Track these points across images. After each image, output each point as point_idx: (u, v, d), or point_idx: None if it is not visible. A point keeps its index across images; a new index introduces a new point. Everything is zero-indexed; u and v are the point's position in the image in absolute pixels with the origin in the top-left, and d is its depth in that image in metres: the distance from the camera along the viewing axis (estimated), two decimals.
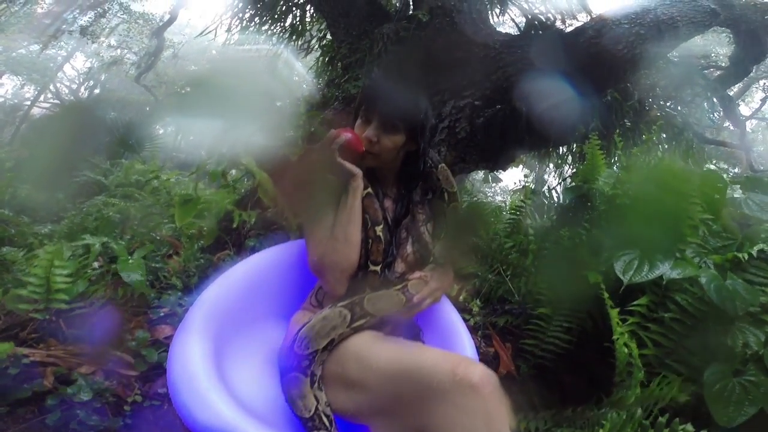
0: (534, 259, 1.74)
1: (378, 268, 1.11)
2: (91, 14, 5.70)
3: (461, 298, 1.89)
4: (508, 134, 2.52)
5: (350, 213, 1.06)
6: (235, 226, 1.79)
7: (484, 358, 1.62)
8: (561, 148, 3.21)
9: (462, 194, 3.65)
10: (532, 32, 2.52)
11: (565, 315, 1.49)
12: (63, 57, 8.03)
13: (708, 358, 1.19)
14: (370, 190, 1.13)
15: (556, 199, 2.47)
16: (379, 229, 1.11)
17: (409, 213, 1.20)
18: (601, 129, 2.76)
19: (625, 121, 2.97)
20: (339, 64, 2.69)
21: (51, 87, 8.71)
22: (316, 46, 3.48)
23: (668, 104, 2.95)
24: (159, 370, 1.47)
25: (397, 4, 2.88)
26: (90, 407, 1.22)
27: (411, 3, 2.58)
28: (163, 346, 1.54)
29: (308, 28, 3.48)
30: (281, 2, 3.26)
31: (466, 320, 1.79)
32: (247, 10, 3.41)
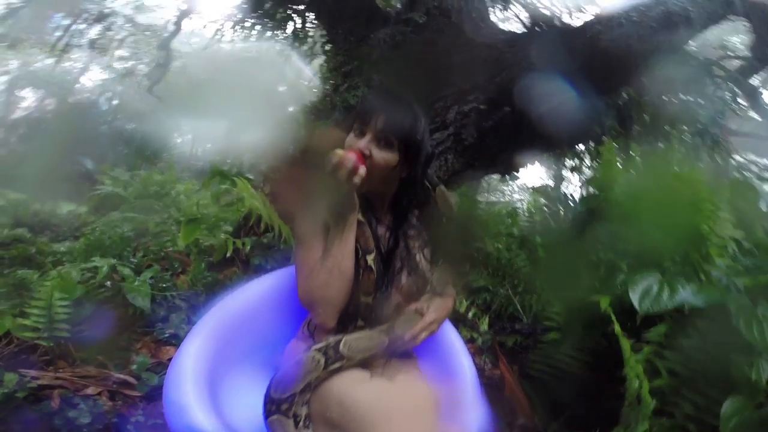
0: (545, 276, 1.65)
1: (370, 300, 1.07)
2: (98, 27, 5.82)
3: (470, 314, 1.83)
4: (518, 137, 2.42)
5: (344, 246, 1.00)
6: (228, 255, 1.77)
7: (489, 380, 1.56)
8: (577, 146, 3.10)
9: (476, 196, 3.58)
10: (537, 29, 2.41)
11: (577, 338, 1.40)
12: (79, 70, 8.24)
13: (728, 390, 1.10)
14: (360, 216, 1.07)
15: (572, 203, 2.37)
16: (370, 259, 1.05)
17: (404, 237, 1.15)
18: (617, 127, 2.65)
19: (644, 115, 2.83)
20: (340, 71, 2.63)
21: (70, 99, 8.95)
22: (320, 52, 3.43)
23: (688, 98, 2.80)
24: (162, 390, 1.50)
25: (398, 6, 2.79)
26: (94, 428, 1.28)
27: (409, 5, 2.49)
28: (166, 368, 1.56)
29: (311, 34, 3.43)
30: (280, 9, 3.21)
31: (473, 339, 1.74)
32: (248, 19, 3.38)
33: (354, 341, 0.98)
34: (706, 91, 2.90)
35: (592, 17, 2.35)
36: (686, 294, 1.21)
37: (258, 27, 3.46)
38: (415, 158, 1.07)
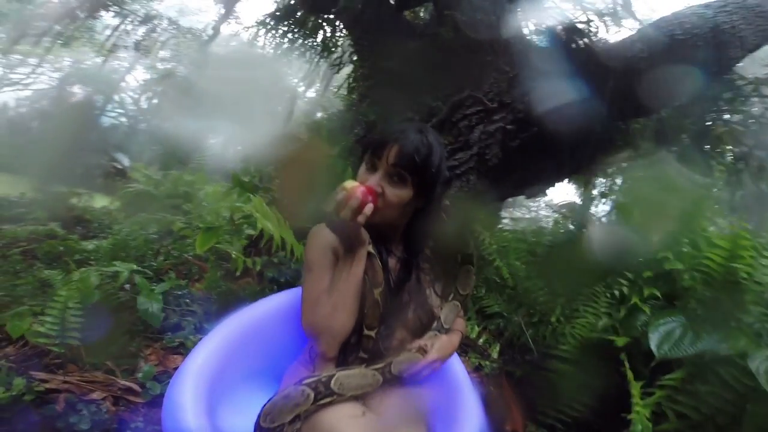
0: (563, 309, 1.55)
1: (373, 333, 1.03)
2: (143, 29, 6.10)
3: (481, 340, 1.76)
4: (546, 158, 2.33)
5: (350, 281, 0.97)
6: (238, 273, 1.77)
7: (493, 412, 1.47)
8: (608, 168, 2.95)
9: (499, 213, 3.48)
10: (573, 46, 2.31)
11: (588, 377, 1.32)
12: (125, 69, 8.65)
13: None
14: (371, 248, 1.02)
15: (598, 220, 2.25)
16: (377, 293, 1.01)
17: (415, 271, 1.09)
18: (653, 149, 2.50)
19: (683, 136, 2.67)
20: (365, 83, 2.59)
21: (116, 97, 9.45)
22: (348, 61, 3.43)
23: (734, 119, 2.61)
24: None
25: (427, 17, 2.72)
26: None
27: (438, 19, 2.41)
28: (171, 377, 1.58)
29: (339, 43, 3.44)
30: (311, 18, 3.23)
31: (481, 366, 1.67)
32: (280, 26, 3.41)
33: (346, 378, 0.95)
34: (752, 111, 2.70)
35: (633, 33, 2.22)
36: (710, 341, 1.15)
37: (290, 35, 3.50)
38: (430, 191, 1.02)
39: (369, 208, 0.89)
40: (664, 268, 1.25)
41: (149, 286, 1.91)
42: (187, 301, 2.02)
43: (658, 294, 1.23)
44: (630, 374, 1.13)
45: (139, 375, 1.55)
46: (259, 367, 1.25)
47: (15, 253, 2.55)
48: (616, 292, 1.48)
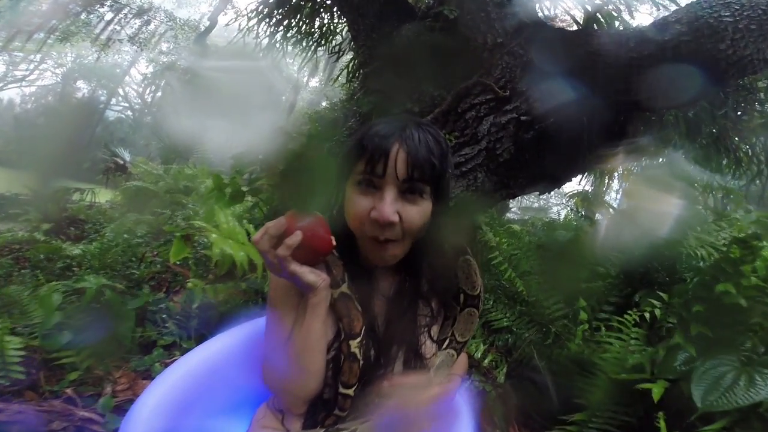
0: (583, 334, 1.32)
1: (351, 392, 0.82)
2: (137, 22, 5.93)
3: (486, 360, 1.54)
4: (565, 151, 2.07)
5: (306, 337, 0.77)
6: (195, 306, 1.58)
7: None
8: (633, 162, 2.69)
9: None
10: (595, 26, 2.04)
11: (606, 419, 1.10)
12: (128, 63, 8.58)
13: None
14: (344, 288, 0.81)
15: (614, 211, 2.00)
16: (354, 345, 0.80)
17: (409, 313, 0.86)
18: (681, 141, 2.24)
19: (713, 129, 2.39)
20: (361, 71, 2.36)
21: (120, 91, 9.41)
22: (347, 49, 3.21)
23: None
24: None
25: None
26: None
27: None
28: None
29: (338, 30, 3.20)
30: (306, 4, 2.99)
31: (485, 392, 1.45)
32: (274, 15, 3.19)
33: None
34: None
35: (670, 13, 1.93)
36: None
37: (285, 22, 3.28)
38: (446, 194, 0.81)
39: (294, 239, 0.69)
40: (723, 301, 1.01)
41: (122, 301, 1.75)
42: (164, 316, 1.85)
43: (710, 334, 1.00)
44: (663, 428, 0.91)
45: (97, 405, 1.40)
46: (229, 402, 1.08)
47: (7, 259, 2.43)
48: (647, 314, 1.26)
